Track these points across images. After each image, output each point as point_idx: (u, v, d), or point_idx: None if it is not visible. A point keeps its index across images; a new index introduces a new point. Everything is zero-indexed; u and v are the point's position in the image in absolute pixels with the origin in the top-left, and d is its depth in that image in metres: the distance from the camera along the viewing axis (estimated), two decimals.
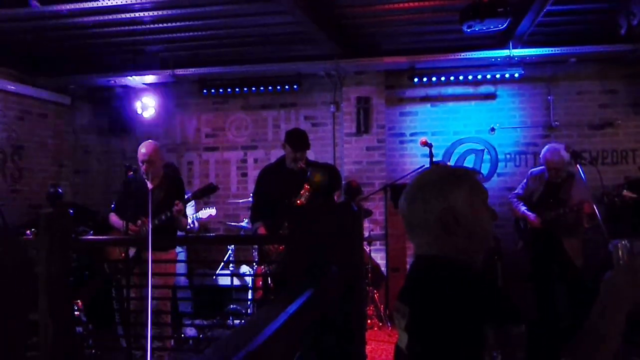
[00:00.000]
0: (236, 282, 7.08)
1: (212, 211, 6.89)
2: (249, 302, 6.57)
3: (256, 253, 6.33)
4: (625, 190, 5.47)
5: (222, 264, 7.18)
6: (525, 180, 6.18)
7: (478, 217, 1.77)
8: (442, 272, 1.72)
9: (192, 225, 6.89)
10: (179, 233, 5.70)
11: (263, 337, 0.92)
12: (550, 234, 5.76)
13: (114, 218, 5.49)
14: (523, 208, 6.01)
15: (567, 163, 5.74)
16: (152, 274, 5.21)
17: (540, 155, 5.99)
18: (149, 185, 5.44)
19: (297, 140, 5.31)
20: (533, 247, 5.98)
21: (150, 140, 5.56)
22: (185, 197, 5.57)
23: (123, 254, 5.18)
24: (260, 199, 5.50)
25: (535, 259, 5.99)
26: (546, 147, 5.92)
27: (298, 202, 5.04)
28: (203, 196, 5.49)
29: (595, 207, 5.36)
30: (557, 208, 5.71)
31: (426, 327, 1.66)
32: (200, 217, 6.86)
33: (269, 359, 0.94)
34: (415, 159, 7.84)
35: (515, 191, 6.24)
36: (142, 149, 5.41)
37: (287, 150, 5.33)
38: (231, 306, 6.71)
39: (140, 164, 5.37)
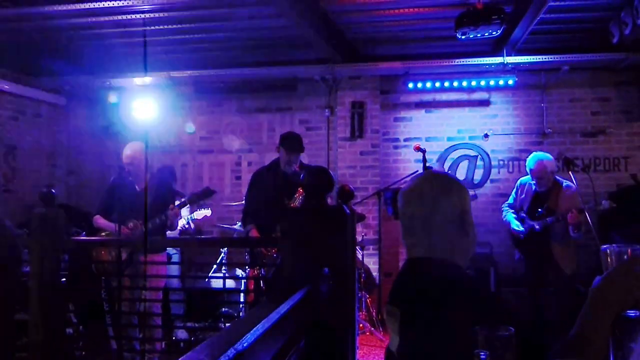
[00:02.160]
0: (230, 285, 7.06)
1: (207, 212, 6.87)
2: (241, 305, 6.56)
3: (248, 256, 6.33)
4: (604, 201, 5.48)
5: (215, 266, 7.17)
6: (514, 190, 6.19)
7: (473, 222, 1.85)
8: (438, 273, 1.74)
9: (187, 227, 6.87)
10: (170, 233, 5.69)
11: (252, 336, 0.93)
12: (539, 243, 5.77)
13: (100, 221, 5.44)
14: (512, 219, 6.00)
15: (551, 172, 5.75)
16: (146, 276, 5.22)
17: (526, 164, 6.02)
18: (137, 188, 5.44)
19: (292, 143, 5.33)
20: (525, 256, 5.99)
21: (135, 142, 5.55)
22: (180, 199, 5.56)
23: (114, 255, 5.18)
24: (253, 201, 5.50)
25: (528, 266, 6.01)
26: (530, 156, 5.91)
27: (292, 205, 5.05)
28: (200, 200, 5.48)
29: (586, 215, 5.38)
30: (545, 217, 5.72)
31: (418, 328, 1.67)
32: (195, 218, 6.85)
33: (258, 358, 0.95)
34: (408, 164, 7.86)
35: (508, 201, 6.24)
36: (127, 151, 5.40)
37: (282, 153, 5.36)
38: (223, 309, 6.69)
39: (130, 165, 5.35)
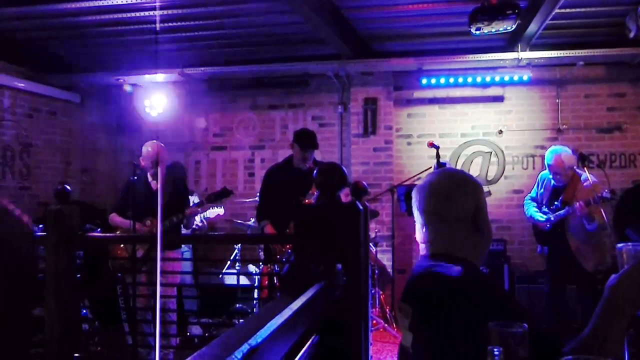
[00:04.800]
0: (243, 281, 7.08)
1: (220, 210, 6.90)
2: (254, 302, 6.58)
3: (262, 252, 6.35)
4: (605, 191, 5.40)
5: (229, 262, 7.19)
6: (536, 183, 6.13)
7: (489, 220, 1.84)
8: (450, 270, 1.74)
9: (200, 225, 6.89)
10: (184, 231, 5.72)
11: (266, 332, 0.93)
12: (558, 237, 5.72)
13: (117, 218, 5.47)
14: (534, 213, 5.91)
15: (569, 166, 5.67)
16: (161, 273, 5.24)
17: (544, 159, 5.94)
18: (153, 186, 5.46)
19: (306, 140, 5.34)
20: (549, 250, 5.93)
21: (154, 141, 5.57)
22: (193, 196, 5.58)
23: (129, 252, 5.21)
24: (267, 197, 5.51)
25: (551, 261, 5.96)
26: (548, 150, 5.83)
27: (306, 201, 5.05)
28: (217, 200, 5.50)
29: (601, 211, 5.32)
30: (561, 209, 5.66)
31: (431, 324, 1.67)
32: (208, 216, 6.87)
33: (271, 354, 0.95)
34: (422, 161, 7.83)
35: (530, 194, 6.17)
36: (149, 148, 5.42)
37: (296, 150, 5.36)
38: (237, 305, 6.72)
39: (149, 164, 5.38)
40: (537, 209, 5.92)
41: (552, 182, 5.81)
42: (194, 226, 6.62)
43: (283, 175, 5.45)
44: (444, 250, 1.80)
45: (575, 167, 5.70)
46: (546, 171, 5.98)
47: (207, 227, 7.23)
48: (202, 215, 6.90)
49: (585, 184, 5.50)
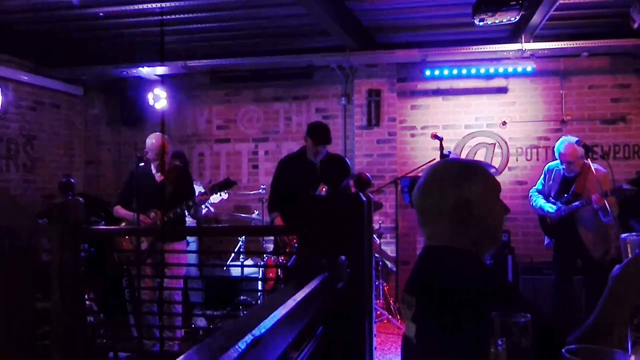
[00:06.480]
0: (251, 272, 7.09)
1: (224, 195, 6.89)
2: (259, 293, 6.59)
3: (267, 244, 6.36)
4: (624, 185, 5.40)
5: (233, 255, 7.20)
6: (542, 175, 6.11)
7: (491, 210, 1.80)
8: (451, 261, 1.74)
9: (206, 211, 6.89)
10: (190, 221, 5.75)
11: (270, 323, 0.93)
12: (568, 228, 5.70)
13: (121, 211, 5.49)
14: (544, 204, 5.88)
15: (582, 154, 5.65)
16: (166, 264, 5.27)
17: (555, 149, 5.91)
18: (157, 178, 5.48)
19: (319, 134, 5.34)
20: (556, 242, 5.92)
21: (158, 132, 5.59)
22: (198, 186, 5.60)
23: (133, 244, 5.22)
24: (279, 189, 5.52)
25: (558, 253, 5.95)
26: (559, 140, 5.82)
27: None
28: (220, 190, 5.52)
29: (608, 200, 5.30)
30: (572, 202, 5.64)
31: (434, 315, 1.67)
32: (212, 202, 6.87)
33: (275, 344, 0.96)
34: (425, 152, 7.82)
35: (536, 187, 6.15)
36: (153, 140, 5.43)
37: (308, 143, 5.37)
38: (242, 297, 6.73)
39: (153, 156, 5.39)
40: (545, 200, 5.90)
41: (562, 172, 5.79)
42: (201, 215, 6.64)
43: (296, 165, 5.46)
44: (442, 242, 1.80)
45: (584, 159, 5.69)
46: (554, 162, 5.95)
47: (215, 213, 7.26)
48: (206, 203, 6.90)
49: (597, 175, 5.46)
